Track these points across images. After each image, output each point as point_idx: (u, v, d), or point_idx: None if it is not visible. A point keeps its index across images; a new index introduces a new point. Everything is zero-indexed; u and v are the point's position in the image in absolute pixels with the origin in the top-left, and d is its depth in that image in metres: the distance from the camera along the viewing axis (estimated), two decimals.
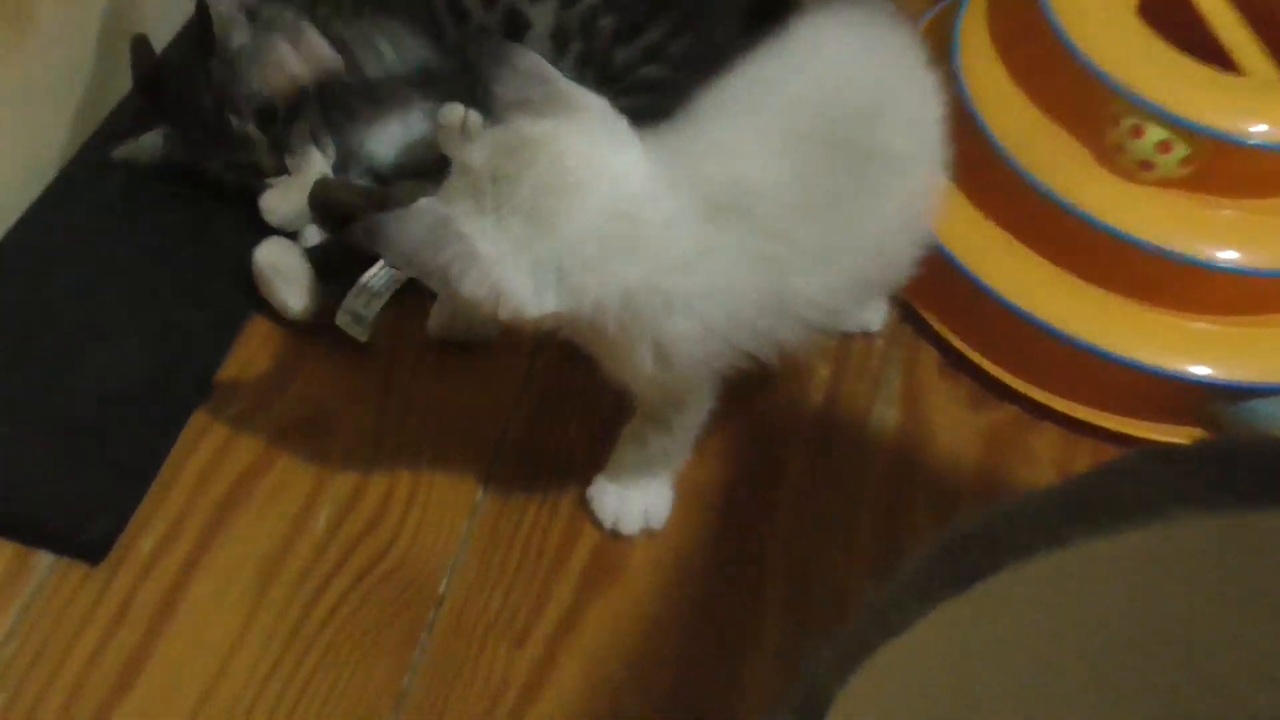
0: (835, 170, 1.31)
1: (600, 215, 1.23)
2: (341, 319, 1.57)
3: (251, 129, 1.59)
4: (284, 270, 1.58)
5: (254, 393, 1.58)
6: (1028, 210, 1.57)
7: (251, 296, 1.62)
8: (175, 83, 1.61)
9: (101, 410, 1.52)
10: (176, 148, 1.62)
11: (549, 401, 1.59)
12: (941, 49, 1.63)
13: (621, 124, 1.27)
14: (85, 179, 1.70)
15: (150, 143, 1.62)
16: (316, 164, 1.64)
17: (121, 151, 1.63)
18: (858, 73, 1.35)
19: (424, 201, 1.23)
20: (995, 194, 1.60)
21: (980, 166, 1.58)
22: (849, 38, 1.37)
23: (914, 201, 1.39)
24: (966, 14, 1.69)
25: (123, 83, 1.73)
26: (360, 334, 1.56)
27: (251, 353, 1.61)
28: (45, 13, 1.57)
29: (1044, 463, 1.58)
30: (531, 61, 1.27)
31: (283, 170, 1.62)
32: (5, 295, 1.59)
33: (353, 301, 1.56)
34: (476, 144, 1.25)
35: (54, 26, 1.59)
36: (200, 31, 1.58)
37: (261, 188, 1.63)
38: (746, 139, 1.30)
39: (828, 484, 1.54)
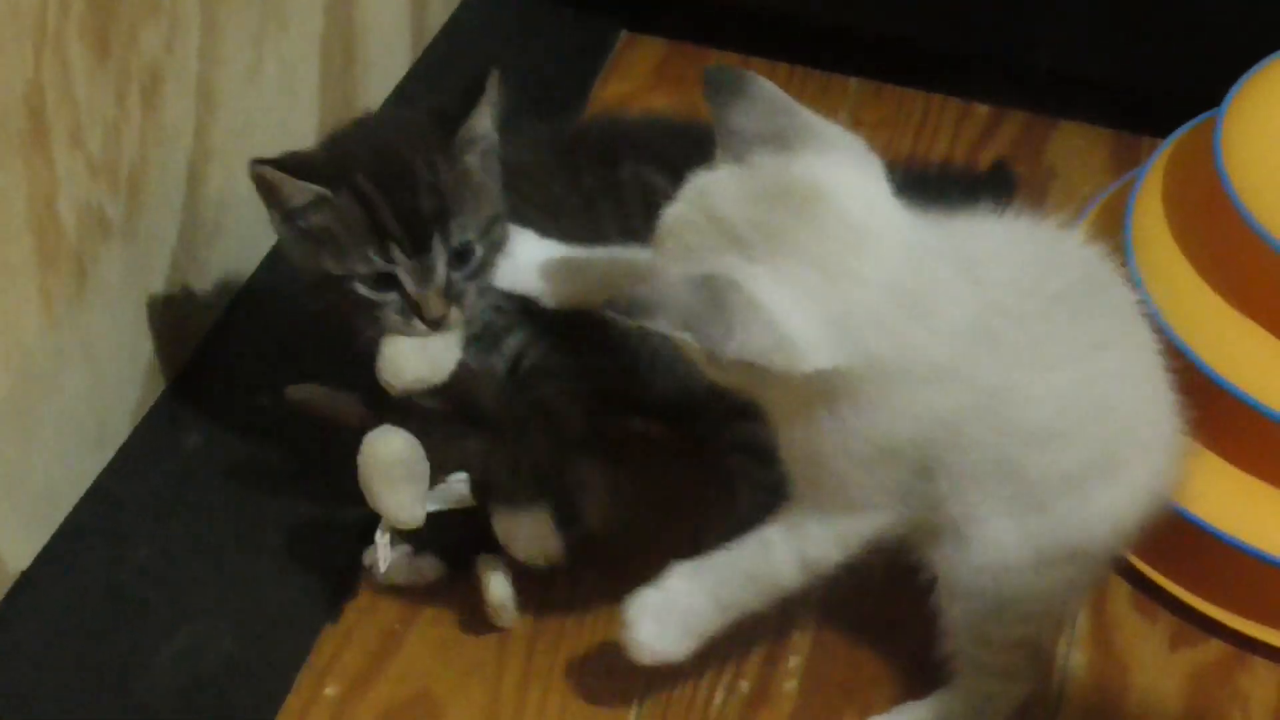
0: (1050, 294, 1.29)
1: (899, 268, 1.20)
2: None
3: (441, 261, 1.40)
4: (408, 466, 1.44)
5: (353, 672, 1.50)
6: (1218, 414, 1.46)
7: (348, 563, 1.54)
8: (387, 153, 1.41)
9: (184, 703, 1.46)
10: (335, 208, 1.39)
11: (687, 670, 1.47)
12: (1115, 234, 1.58)
13: (880, 168, 1.25)
14: (158, 442, 1.65)
15: (300, 189, 1.39)
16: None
17: (268, 163, 1.39)
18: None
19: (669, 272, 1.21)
20: (1180, 396, 1.46)
21: None
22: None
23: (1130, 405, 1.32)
24: (1140, 194, 1.62)
25: (191, 341, 1.70)
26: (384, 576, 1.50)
27: (349, 625, 1.53)
28: (105, 267, 1.54)
29: (1259, 706, 1.49)
30: (769, 90, 1.25)
31: (438, 324, 1.41)
32: (75, 576, 1.53)
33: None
34: (712, 193, 1.22)
35: (115, 280, 1.56)
36: (440, 121, 1.42)
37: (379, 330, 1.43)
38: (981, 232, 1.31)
39: None
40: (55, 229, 1.44)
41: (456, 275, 1.41)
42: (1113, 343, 1.31)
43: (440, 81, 1.98)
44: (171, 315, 1.66)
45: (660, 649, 1.35)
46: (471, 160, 1.42)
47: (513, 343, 1.48)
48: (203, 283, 1.70)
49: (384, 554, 1.45)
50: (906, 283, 1.21)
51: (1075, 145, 1.95)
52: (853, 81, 2.02)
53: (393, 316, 1.40)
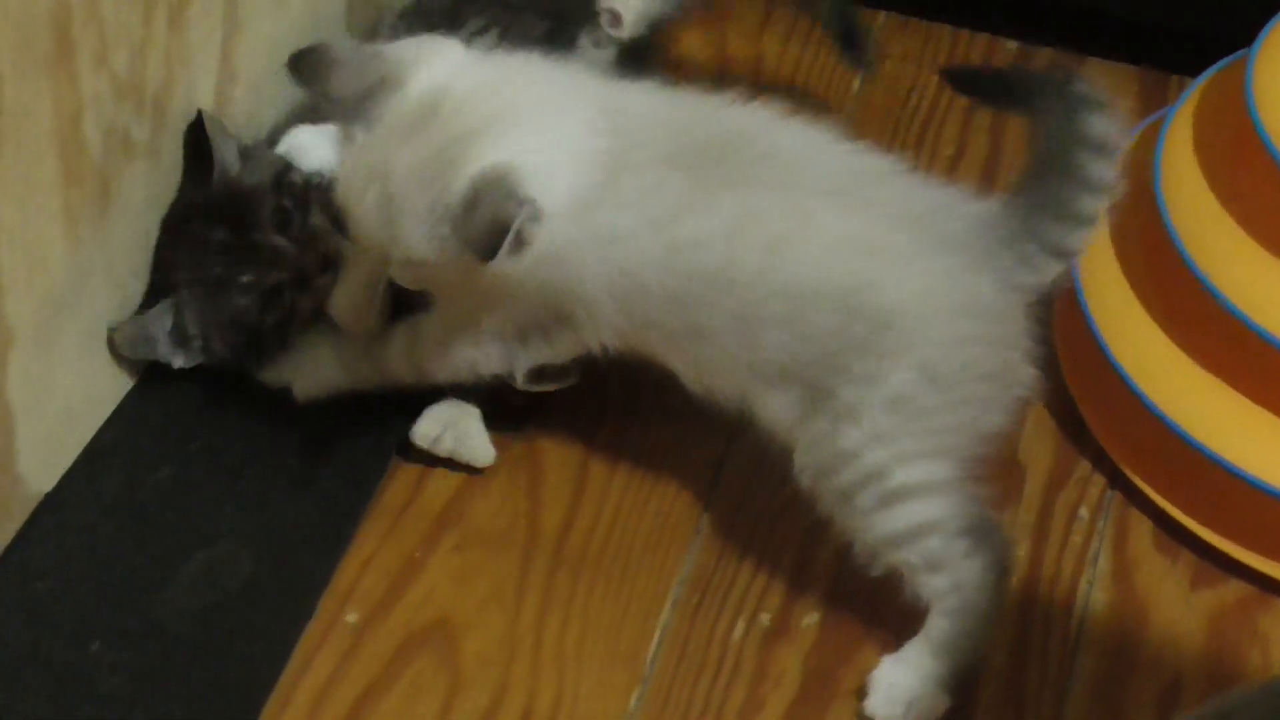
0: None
1: (545, 128, 1.33)
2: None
3: (276, 238, 1.53)
4: (461, 425, 1.55)
5: (374, 597, 1.50)
6: (1246, 356, 1.49)
7: (367, 488, 1.56)
8: (175, 236, 1.58)
9: (203, 624, 1.47)
10: (193, 305, 1.55)
11: (709, 602, 1.51)
12: (1144, 173, 1.59)
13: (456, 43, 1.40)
14: None
15: (155, 317, 1.55)
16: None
17: (123, 332, 1.55)
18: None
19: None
20: (1207, 337, 1.52)
21: (1187, 304, 1.52)
22: None
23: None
24: (1169, 133, 1.62)
25: None
26: None
27: (370, 550, 1.53)
28: (130, 187, 1.54)
29: (1279, 647, 1.49)
30: (349, 49, 1.35)
31: (327, 267, 1.53)
32: (97, 496, 1.54)
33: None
34: (372, 154, 1.33)
35: (139, 201, 1.56)
36: (194, 170, 1.58)
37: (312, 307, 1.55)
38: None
39: (1031, 675, 1.47)
40: (80, 148, 1.44)
41: (301, 221, 1.54)
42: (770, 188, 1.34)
43: None
44: None
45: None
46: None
47: None
48: None
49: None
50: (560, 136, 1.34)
51: (1103, 83, 1.87)
52: (880, 15, 2.02)
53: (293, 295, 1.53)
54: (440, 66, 1.34)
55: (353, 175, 1.33)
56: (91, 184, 1.48)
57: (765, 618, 1.49)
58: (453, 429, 1.54)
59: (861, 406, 1.33)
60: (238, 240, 1.53)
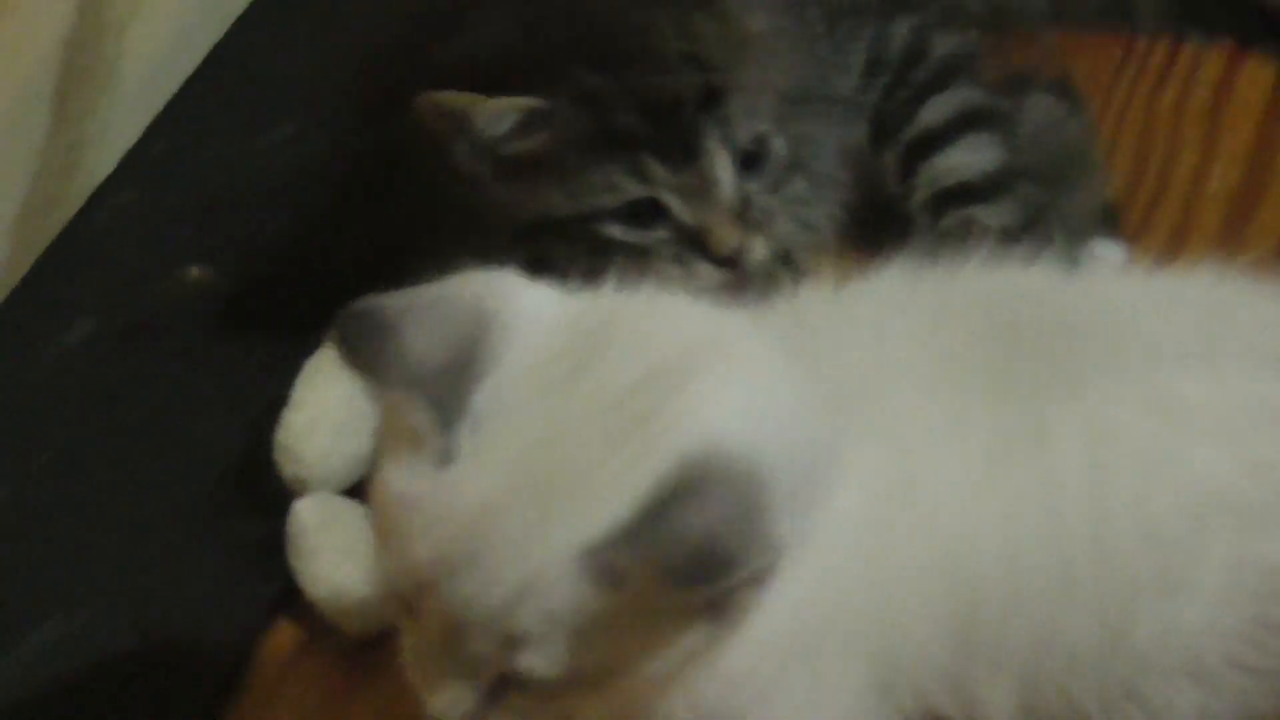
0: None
1: None
2: None
3: (723, 165, 1.18)
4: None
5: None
6: None
7: (272, 584, 1.28)
8: (612, 23, 1.19)
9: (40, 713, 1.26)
10: (551, 136, 1.16)
11: None
12: None
13: None
14: (24, 334, 1.44)
15: (508, 110, 1.16)
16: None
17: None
18: None
19: None
20: None
21: None
22: None
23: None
24: None
25: (82, 186, 1.50)
26: None
27: (270, 681, 1.27)
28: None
29: None
30: (402, 303, 0.95)
31: (734, 262, 1.19)
32: None
33: None
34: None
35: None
36: None
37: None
38: None
39: None
40: None
41: (752, 186, 1.19)
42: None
43: None
44: (59, 146, 1.50)
45: None
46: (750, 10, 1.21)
47: None
48: (105, 97, 1.53)
49: None
50: None
51: None
52: None
53: (665, 263, 1.17)
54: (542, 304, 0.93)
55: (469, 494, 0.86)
56: None
57: None
58: None
59: None
60: (672, 90, 1.17)
